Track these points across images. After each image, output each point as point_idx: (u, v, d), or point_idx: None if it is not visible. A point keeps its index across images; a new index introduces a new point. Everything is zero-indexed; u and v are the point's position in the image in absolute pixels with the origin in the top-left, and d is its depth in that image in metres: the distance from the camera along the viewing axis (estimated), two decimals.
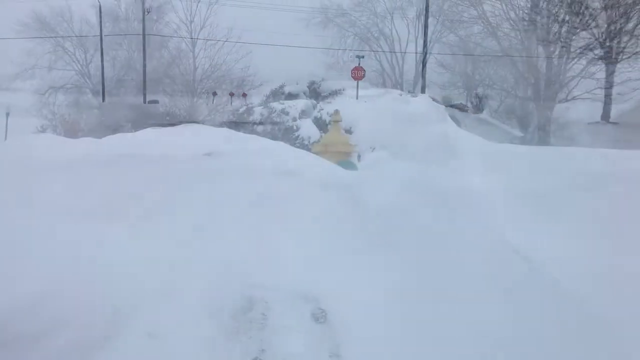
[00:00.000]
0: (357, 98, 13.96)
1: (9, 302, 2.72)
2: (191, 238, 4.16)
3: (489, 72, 30.90)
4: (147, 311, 3.19)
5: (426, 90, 33.42)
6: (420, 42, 34.89)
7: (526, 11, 21.35)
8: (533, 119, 24.44)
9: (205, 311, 3.38)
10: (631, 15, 20.42)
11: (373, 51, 35.75)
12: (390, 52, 35.65)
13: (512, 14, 21.51)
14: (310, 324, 3.37)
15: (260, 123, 13.22)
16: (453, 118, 27.86)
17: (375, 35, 35.75)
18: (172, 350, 2.96)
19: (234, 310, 3.32)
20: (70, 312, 2.91)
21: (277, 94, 14.55)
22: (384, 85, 34.76)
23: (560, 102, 22.83)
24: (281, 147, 5.78)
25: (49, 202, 3.94)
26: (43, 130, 21.48)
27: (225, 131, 6.28)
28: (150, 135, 5.41)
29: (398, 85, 35.70)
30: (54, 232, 3.47)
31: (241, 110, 14.33)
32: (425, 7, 25.91)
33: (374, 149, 12.84)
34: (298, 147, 13.00)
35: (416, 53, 34.76)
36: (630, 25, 20.57)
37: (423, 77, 28.78)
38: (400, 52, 35.63)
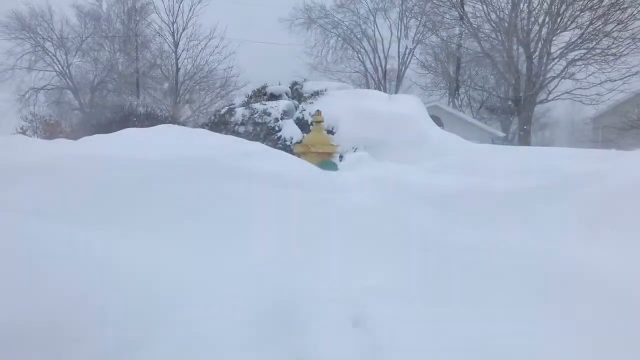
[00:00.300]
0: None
1: (50, 304, 2.74)
2: (224, 240, 4.18)
3: (471, 73, 31.26)
4: (183, 314, 3.21)
5: (408, 90, 33.70)
6: (403, 43, 35.22)
7: (507, 12, 21.58)
8: (514, 119, 24.74)
9: (244, 314, 3.40)
10: (609, 17, 20.75)
11: (356, 52, 35.98)
12: (373, 52, 35.82)
13: (493, 16, 21.73)
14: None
15: (242, 124, 13.18)
16: (435, 119, 28.09)
17: (358, 36, 35.91)
18: (210, 354, 2.99)
19: (272, 313, 3.36)
20: (109, 314, 2.93)
21: (259, 94, 14.53)
22: (367, 86, 34.93)
23: (540, 102, 23.11)
24: (258, 148, 5.77)
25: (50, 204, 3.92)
26: (23, 131, 21.25)
27: (202, 132, 6.24)
28: (127, 136, 5.38)
29: (381, 86, 35.90)
30: (73, 236, 3.46)
31: (223, 111, 14.29)
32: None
33: (357, 149, 12.89)
34: (280, 147, 13.01)
35: (399, 54, 35.06)
36: (609, 27, 20.91)
37: (399, 78, 28.95)
38: (384, 53, 35.85)
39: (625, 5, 20.43)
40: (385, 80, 36.31)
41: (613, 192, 5.40)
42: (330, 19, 35.75)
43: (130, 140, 5.18)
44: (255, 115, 13.13)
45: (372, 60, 36.47)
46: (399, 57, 35.72)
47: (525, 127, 21.92)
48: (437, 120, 28.45)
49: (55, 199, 4.03)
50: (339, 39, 36.02)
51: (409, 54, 35.24)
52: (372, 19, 35.68)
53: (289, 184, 5.18)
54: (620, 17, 20.53)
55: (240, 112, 13.41)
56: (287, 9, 36.10)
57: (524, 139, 20.99)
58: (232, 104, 15.06)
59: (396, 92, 31.15)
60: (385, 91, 32.57)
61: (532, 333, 3.45)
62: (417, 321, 3.55)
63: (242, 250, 4.35)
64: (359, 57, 36.48)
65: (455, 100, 34.92)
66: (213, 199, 4.38)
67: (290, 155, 5.88)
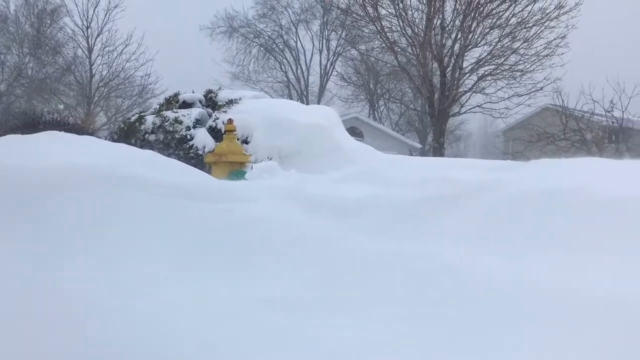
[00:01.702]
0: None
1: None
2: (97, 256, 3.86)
3: (390, 86, 32.08)
4: None
5: (329, 102, 34.13)
6: (325, 55, 35.66)
7: (421, 28, 22.27)
8: (430, 131, 25.54)
9: None
10: (516, 35, 21.87)
11: (279, 62, 36.08)
12: (295, 63, 36.04)
13: (409, 30, 22.35)
14: None
15: (152, 132, 12.75)
16: (356, 130, 28.58)
17: (281, 46, 36.00)
18: None
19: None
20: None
21: (171, 102, 14.12)
22: (290, 96, 35.04)
23: (453, 115, 23.97)
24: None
25: None
26: None
27: (89, 140, 5.92)
28: (4, 143, 5.00)
29: (304, 97, 36.13)
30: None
31: (132, 118, 13.78)
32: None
33: (272, 158, 12.75)
34: (192, 157, 12.68)
35: (320, 66, 35.47)
36: (516, 44, 22.04)
37: (321, 90, 29.30)
38: (306, 65, 36.17)
39: (530, 24, 21.62)
40: (307, 91, 36.58)
41: (511, 201, 5.57)
42: (252, 29, 35.67)
43: (6, 147, 4.81)
44: (166, 124, 12.73)
45: (295, 71, 36.68)
46: (320, 68, 36.14)
47: (440, 139, 22.60)
48: (357, 132, 28.98)
49: None
50: (261, 48, 35.98)
51: (330, 66, 35.71)
52: (294, 30, 35.94)
53: (183, 195, 4.98)
54: (526, 35, 21.70)
55: (150, 120, 12.96)
56: (208, 16, 35.69)
57: (438, 151, 21.64)
58: (142, 112, 14.55)
59: (318, 103, 31.43)
60: (307, 102, 32.79)
61: (414, 341, 3.42)
62: (294, 332, 3.44)
63: (130, 266, 4.10)
64: (281, 68, 36.61)
65: (376, 112, 35.72)
66: (94, 211, 4.11)
67: (186, 165, 5.66)
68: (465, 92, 22.98)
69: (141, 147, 11.65)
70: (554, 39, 21.48)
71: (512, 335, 3.05)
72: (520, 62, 22.08)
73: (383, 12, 22.68)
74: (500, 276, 4.29)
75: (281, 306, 3.97)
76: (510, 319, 3.64)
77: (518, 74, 22.12)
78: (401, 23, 22.45)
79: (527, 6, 21.39)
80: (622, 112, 21.65)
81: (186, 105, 13.97)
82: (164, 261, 3.91)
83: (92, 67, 30.86)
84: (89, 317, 3.20)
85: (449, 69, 22.37)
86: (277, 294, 4.30)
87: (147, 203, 4.32)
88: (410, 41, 22.60)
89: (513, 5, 21.39)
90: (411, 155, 23.43)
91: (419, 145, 30.58)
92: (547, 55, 21.60)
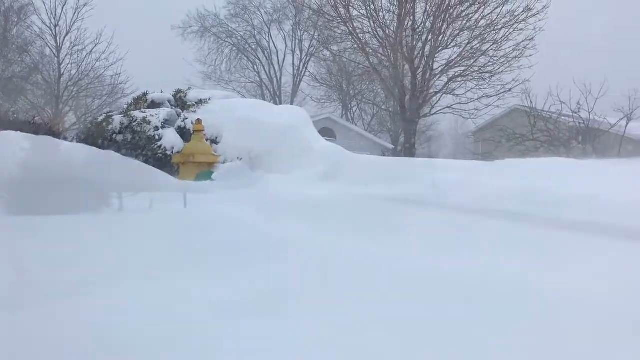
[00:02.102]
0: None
1: None
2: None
3: (362, 87, 32.20)
4: None
5: (302, 103, 34.12)
6: (297, 55, 35.65)
7: (392, 29, 22.42)
8: (402, 132, 25.71)
9: None
10: (485, 37, 22.15)
11: (251, 62, 35.91)
12: (268, 64, 35.93)
13: (380, 32, 22.47)
14: None
15: (120, 132, 12.59)
16: (328, 131, 28.62)
17: (253, 46, 35.85)
18: None
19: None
20: None
21: (140, 102, 13.96)
22: (262, 97, 34.93)
23: (424, 116, 24.18)
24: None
25: None
26: None
27: (45, 140, 5.82)
28: None
29: (276, 97, 36.04)
30: None
31: (100, 119, 13.59)
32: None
33: (242, 159, 12.70)
34: (160, 157, 12.55)
35: (293, 66, 35.45)
36: (485, 46, 22.32)
37: (294, 90, 29.28)
38: (279, 65, 36.09)
39: (499, 27, 21.91)
40: (280, 92, 36.51)
41: (475, 200, 5.66)
42: (225, 28, 35.44)
43: None
44: (134, 124, 12.58)
45: (267, 71, 36.57)
46: (293, 69, 36.11)
47: (411, 140, 22.78)
48: (330, 132, 29.04)
49: None
50: (234, 48, 35.79)
51: (302, 66, 35.72)
52: (266, 30, 35.83)
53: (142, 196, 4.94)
54: (495, 37, 22.00)
55: (118, 121, 12.80)
56: (180, 16, 35.35)
57: (410, 151, 21.81)
58: (110, 112, 14.36)
59: (291, 104, 31.38)
60: (280, 103, 32.72)
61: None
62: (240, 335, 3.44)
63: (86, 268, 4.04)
64: (254, 68, 36.46)
65: (348, 113, 35.82)
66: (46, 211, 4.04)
67: (146, 166, 5.61)
68: (436, 93, 23.21)
69: (108, 147, 11.52)
70: (522, 41, 21.83)
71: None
72: (490, 63, 22.39)
73: (355, 13, 22.78)
74: (468, 275, 4.41)
75: (230, 308, 3.97)
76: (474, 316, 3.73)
77: (487, 75, 22.42)
78: (372, 24, 22.58)
79: (496, 9, 21.69)
80: (589, 113, 22.09)
81: (155, 105, 13.84)
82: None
83: (61, 67, 30.28)
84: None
85: (419, 70, 22.56)
86: (229, 297, 4.29)
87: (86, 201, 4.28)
88: (382, 42, 22.73)
89: (482, 7, 21.67)
90: (384, 155, 23.56)
91: (391, 146, 30.77)
92: (515, 57, 21.94)
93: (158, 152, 12.42)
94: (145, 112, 12.90)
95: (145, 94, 14.34)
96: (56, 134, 14.43)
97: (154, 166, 6.88)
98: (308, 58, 35.18)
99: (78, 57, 30.12)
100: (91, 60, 30.21)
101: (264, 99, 31.50)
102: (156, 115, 12.77)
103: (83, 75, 30.28)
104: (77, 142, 12.83)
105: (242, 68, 35.93)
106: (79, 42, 30.13)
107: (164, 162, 11.93)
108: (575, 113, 22.44)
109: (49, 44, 30.61)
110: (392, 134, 32.71)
